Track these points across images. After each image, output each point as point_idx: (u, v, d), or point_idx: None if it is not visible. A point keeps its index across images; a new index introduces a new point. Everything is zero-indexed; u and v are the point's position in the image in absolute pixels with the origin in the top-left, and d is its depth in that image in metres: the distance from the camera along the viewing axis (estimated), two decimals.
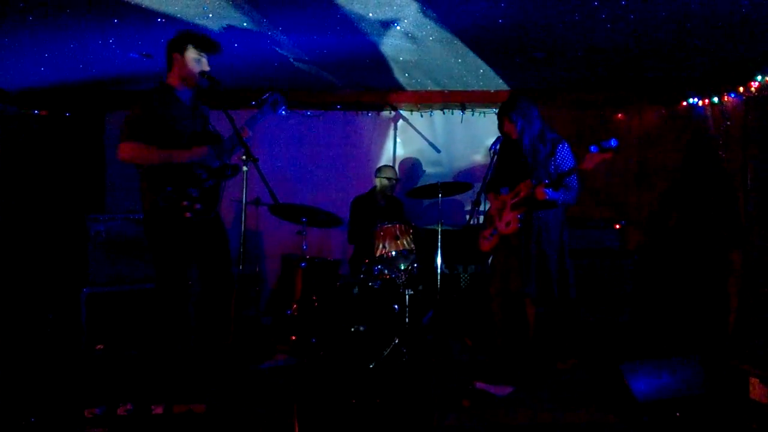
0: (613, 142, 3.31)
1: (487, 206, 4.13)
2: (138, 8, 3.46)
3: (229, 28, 3.83)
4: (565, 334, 4.28)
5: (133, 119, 3.27)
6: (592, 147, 3.41)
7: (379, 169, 5.37)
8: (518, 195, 3.75)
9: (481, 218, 4.26)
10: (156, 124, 3.27)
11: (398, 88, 5.59)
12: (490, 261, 4.06)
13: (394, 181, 5.30)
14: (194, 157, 3.32)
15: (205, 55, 3.39)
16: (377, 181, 5.33)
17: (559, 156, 3.69)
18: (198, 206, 3.31)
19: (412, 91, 5.64)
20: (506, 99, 3.86)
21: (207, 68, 3.39)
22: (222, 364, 3.54)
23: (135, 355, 4.25)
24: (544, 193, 3.58)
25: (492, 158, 3.90)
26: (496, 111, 5.73)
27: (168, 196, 3.23)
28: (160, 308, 3.35)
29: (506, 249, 3.81)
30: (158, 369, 3.36)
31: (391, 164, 5.58)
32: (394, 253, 4.29)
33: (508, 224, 3.77)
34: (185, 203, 3.26)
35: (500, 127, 3.87)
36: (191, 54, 3.35)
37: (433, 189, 4.70)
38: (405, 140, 5.87)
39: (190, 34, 3.39)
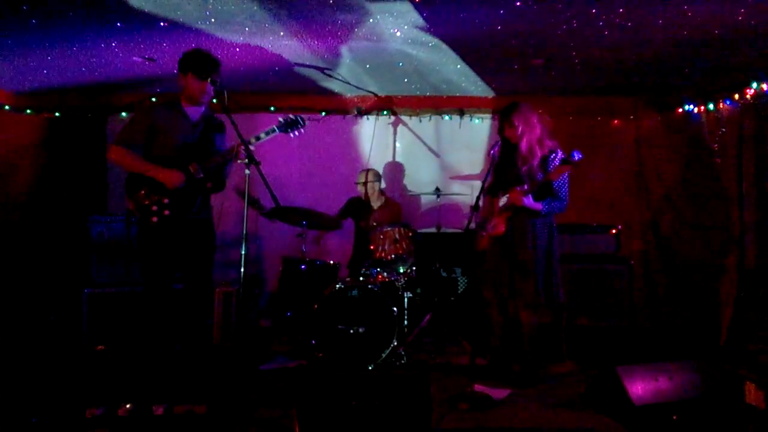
0: (575, 156, 3.39)
1: None
2: (141, 12, 3.49)
3: (231, 33, 3.87)
4: (558, 337, 4.30)
5: (128, 125, 3.51)
6: None
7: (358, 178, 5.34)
8: (507, 200, 3.78)
9: None
10: (150, 132, 3.44)
11: (398, 93, 5.64)
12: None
13: (373, 183, 5.24)
14: (166, 180, 3.39)
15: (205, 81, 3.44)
16: (359, 188, 5.32)
17: (551, 165, 3.67)
18: (167, 213, 3.42)
19: (411, 96, 5.69)
20: (507, 104, 3.87)
21: (209, 93, 3.47)
22: (222, 365, 3.58)
23: (136, 355, 4.26)
24: (521, 200, 3.60)
25: (492, 163, 3.93)
26: (494, 116, 5.84)
27: (139, 200, 3.40)
28: (142, 309, 3.55)
29: (498, 253, 3.84)
30: (158, 369, 3.40)
31: (374, 168, 5.45)
32: (393, 256, 4.33)
33: (494, 227, 3.80)
34: (154, 208, 3.40)
35: (500, 131, 3.87)
36: (191, 79, 3.46)
37: (431, 194, 4.74)
38: (404, 145, 5.89)
39: (190, 61, 3.46)
